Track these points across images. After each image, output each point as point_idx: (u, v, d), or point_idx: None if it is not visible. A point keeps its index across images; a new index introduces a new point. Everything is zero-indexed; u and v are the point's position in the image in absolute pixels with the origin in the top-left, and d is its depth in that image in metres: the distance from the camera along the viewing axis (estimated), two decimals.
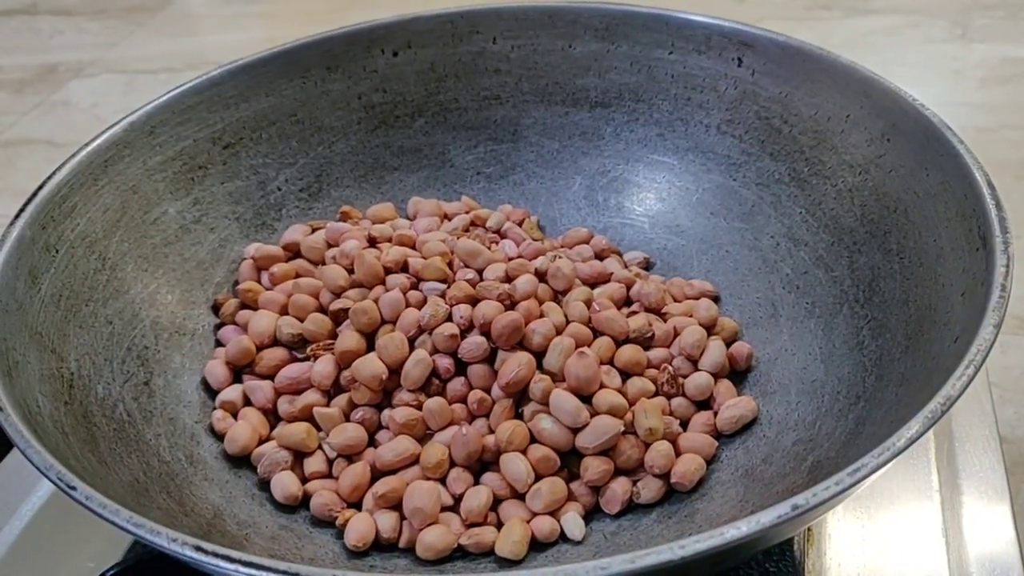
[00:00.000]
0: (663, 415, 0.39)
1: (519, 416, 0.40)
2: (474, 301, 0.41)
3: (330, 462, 0.40)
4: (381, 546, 0.37)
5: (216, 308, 0.46)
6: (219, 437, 0.41)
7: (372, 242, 0.46)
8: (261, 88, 0.50)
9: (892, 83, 0.42)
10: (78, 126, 0.42)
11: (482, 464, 0.39)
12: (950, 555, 0.40)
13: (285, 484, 0.39)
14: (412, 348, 0.40)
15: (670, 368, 0.42)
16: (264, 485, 0.40)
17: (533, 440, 0.39)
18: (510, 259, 0.44)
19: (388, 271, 0.43)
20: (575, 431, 0.38)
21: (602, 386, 0.39)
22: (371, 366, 0.40)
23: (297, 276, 0.46)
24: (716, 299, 0.46)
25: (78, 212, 0.43)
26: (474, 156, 0.53)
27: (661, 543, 0.26)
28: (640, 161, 0.51)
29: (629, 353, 0.41)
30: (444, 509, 0.38)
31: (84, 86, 0.97)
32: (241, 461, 0.40)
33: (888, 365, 0.37)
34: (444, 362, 0.40)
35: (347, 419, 0.40)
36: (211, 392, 0.43)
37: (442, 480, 0.38)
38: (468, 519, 0.37)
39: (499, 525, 0.38)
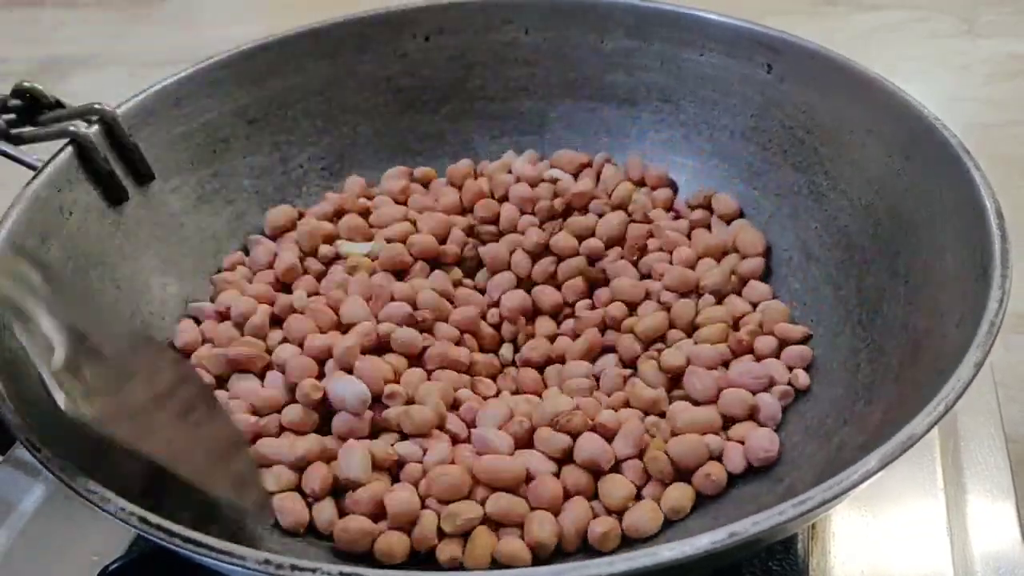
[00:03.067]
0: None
1: None
2: None
3: None
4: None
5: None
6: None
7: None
8: (290, 65, 0.50)
9: (915, 99, 0.41)
10: None
11: None
12: (955, 554, 0.39)
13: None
14: None
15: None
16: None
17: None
18: None
19: None
20: None
21: None
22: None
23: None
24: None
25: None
26: (498, 146, 0.53)
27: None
28: (662, 162, 0.51)
29: None
30: None
31: (88, 78, 0.98)
32: None
33: (879, 390, 0.37)
34: None
35: None
36: None
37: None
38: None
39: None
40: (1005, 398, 0.45)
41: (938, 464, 0.42)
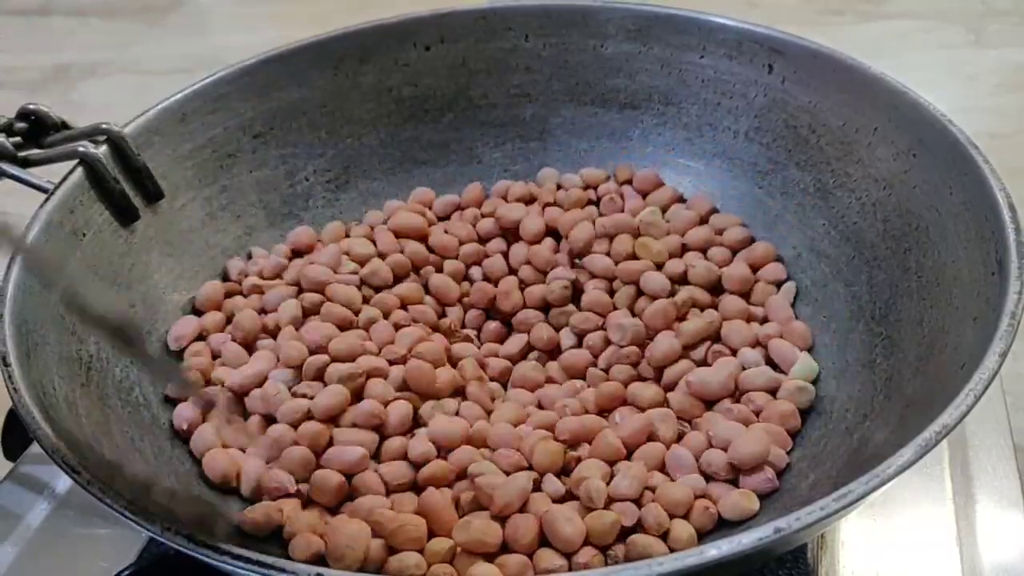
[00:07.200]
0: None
1: None
2: None
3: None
4: None
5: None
6: None
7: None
8: (293, 78, 0.50)
9: (921, 97, 0.42)
10: None
11: None
12: (964, 564, 0.39)
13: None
14: None
15: None
16: None
17: None
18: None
19: None
20: None
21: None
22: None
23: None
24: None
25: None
26: (501, 153, 0.53)
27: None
28: (666, 165, 0.51)
29: None
30: None
31: (97, 86, 0.98)
32: None
33: (897, 386, 0.37)
34: None
35: None
36: None
37: None
38: None
39: None
40: (1013, 407, 0.46)
41: (947, 474, 0.43)
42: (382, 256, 0.47)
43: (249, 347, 0.43)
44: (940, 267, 0.38)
